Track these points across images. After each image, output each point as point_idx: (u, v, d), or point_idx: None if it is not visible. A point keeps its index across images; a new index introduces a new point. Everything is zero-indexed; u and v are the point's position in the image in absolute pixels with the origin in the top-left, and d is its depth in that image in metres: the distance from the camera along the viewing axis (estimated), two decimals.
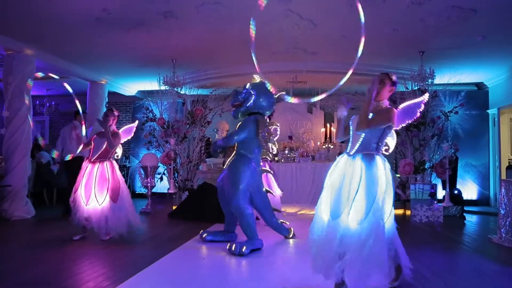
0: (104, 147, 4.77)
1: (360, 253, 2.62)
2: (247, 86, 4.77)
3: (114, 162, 4.88)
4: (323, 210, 2.89)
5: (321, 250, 2.79)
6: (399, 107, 3.12)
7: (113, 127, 4.88)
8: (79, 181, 4.69)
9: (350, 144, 3.04)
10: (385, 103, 3.05)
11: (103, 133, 4.81)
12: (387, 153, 3.18)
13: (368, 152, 2.91)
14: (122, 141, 5.03)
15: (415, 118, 3.14)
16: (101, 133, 4.87)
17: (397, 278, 2.95)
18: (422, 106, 3.11)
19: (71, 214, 4.61)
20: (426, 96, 3.12)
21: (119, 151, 5.08)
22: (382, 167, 2.87)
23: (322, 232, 2.82)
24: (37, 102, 10.35)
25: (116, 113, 4.90)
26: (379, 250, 2.62)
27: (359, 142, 2.95)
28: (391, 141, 3.23)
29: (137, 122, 5.36)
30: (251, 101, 4.66)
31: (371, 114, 2.89)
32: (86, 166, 4.75)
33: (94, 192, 4.58)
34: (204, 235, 4.75)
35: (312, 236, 2.89)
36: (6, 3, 5.05)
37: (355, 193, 2.76)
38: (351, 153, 2.96)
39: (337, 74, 8.16)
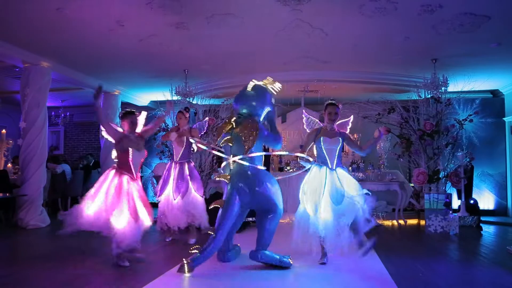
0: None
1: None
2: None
3: None
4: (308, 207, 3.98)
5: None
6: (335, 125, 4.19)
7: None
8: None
9: (328, 159, 4.14)
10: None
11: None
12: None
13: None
14: None
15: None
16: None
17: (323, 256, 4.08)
18: (350, 124, 4.33)
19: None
20: (351, 118, 4.17)
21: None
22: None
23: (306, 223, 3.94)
24: (53, 113, 10.58)
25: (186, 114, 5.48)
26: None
27: (336, 158, 4.14)
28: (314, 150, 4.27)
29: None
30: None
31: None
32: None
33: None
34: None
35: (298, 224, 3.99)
36: (23, 17, 5.19)
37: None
38: (333, 168, 4.12)
39: (349, 83, 8.19)
